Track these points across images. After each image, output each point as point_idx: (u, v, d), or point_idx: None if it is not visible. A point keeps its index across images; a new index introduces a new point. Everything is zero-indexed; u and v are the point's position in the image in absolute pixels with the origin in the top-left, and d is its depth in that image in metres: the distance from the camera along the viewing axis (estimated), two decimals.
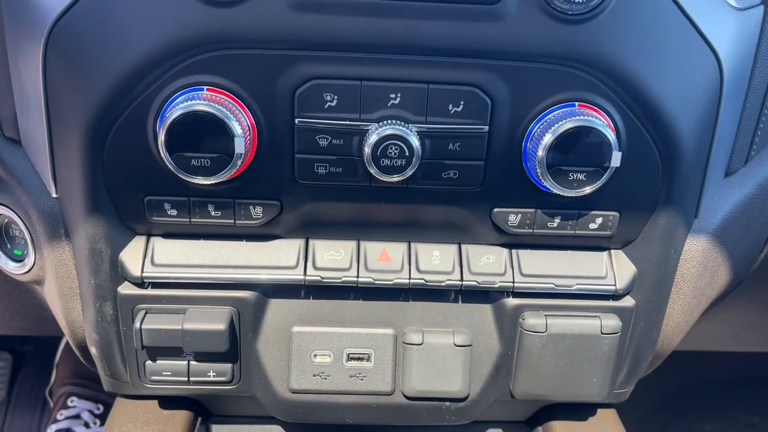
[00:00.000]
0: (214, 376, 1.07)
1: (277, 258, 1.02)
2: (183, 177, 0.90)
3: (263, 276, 1.02)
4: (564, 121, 0.88)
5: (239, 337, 1.05)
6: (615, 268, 1.05)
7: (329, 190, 0.96)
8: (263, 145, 0.92)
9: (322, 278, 1.02)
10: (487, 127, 0.91)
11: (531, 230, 1.01)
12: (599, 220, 1.00)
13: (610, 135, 0.89)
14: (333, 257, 1.03)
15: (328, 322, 1.06)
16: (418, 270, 1.03)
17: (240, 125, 0.87)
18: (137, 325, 1.01)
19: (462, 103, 0.90)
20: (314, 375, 1.06)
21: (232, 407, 1.24)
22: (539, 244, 1.04)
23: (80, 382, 2.23)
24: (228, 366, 1.07)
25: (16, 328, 1.75)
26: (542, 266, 1.04)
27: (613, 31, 0.87)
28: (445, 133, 0.92)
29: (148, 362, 1.06)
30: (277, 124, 0.91)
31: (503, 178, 0.96)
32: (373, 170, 0.91)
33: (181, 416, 1.16)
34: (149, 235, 1.02)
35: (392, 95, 0.90)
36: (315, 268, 1.02)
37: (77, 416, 2.15)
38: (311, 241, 1.03)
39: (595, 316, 1.05)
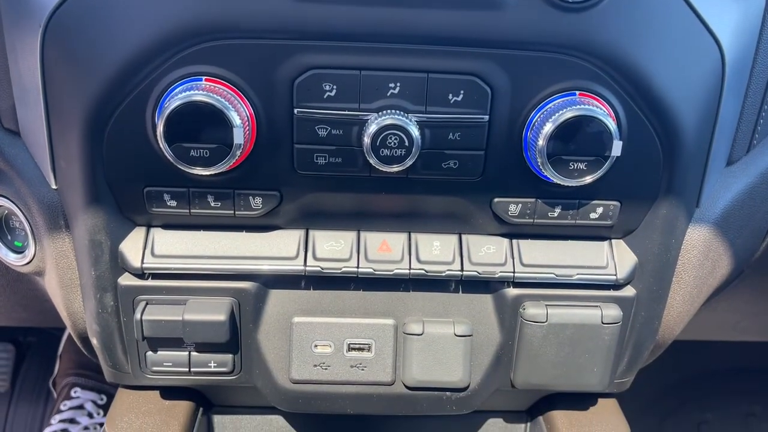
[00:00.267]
0: (215, 366, 1.07)
1: (277, 249, 1.02)
2: (182, 168, 0.90)
3: (263, 267, 1.02)
4: (564, 110, 0.87)
5: (240, 328, 1.05)
6: (616, 258, 1.04)
7: (329, 181, 0.96)
8: (262, 135, 0.91)
9: (323, 269, 1.02)
10: (487, 117, 0.91)
11: (531, 220, 1.00)
12: (600, 210, 1.00)
13: (611, 124, 0.88)
14: (333, 248, 1.02)
15: (329, 313, 1.06)
16: (419, 260, 1.03)
17: (239, 115, 0.86)
18: (138, 316, 1.01)
19: (462, 92, 0.90)
20: (315, 365, 1.06)
21: (233, 397, 1.24)
22: (540, 234, 1.04)
23: (83, 373, 2.24)
24: (229, 357, 1.07)
25: (18, 319, 1.75)
26: (543, 256, 1.04)
27: (614, 19, 0.87)
28: (445, 123, 0.91)
29: (149, 353, 1.06)
30: (276, 114, 0.90)
31: (503, 167, 0.95)
32: (372, 160, 0.90)
33: (183, 406, 1.16)
34: (149, 226, 1.02)
35: (391, 85, 0.89)
36: (315, 258, 1.02)
37: (80, 407, 2.17)
38: (311, 232, 1.03)
39: (596, 306, 1.05)
